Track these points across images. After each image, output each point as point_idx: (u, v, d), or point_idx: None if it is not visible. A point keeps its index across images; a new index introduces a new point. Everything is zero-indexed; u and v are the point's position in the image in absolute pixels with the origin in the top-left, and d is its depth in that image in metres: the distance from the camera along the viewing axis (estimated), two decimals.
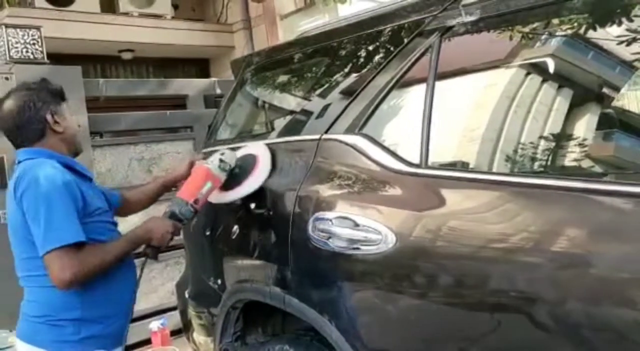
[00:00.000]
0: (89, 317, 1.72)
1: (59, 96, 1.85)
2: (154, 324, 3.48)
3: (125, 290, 1.85)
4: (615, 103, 1.28)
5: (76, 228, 1.64)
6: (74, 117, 1.91)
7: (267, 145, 1.95)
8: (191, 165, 2.07)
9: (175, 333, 3.45)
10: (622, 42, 1.21)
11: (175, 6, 6.99)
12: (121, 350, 1.87)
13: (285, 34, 6.26)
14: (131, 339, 3.33)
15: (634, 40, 1.18)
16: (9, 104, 1.79)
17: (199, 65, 7.68)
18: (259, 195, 1.90)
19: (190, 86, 4.26)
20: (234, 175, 1.92)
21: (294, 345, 1.79)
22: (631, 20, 1.20)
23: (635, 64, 1.25)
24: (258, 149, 1.94)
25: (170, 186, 2.15)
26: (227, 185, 1.94)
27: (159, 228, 1.81)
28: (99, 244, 1.71)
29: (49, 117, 1.78)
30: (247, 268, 1.97)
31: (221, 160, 1.90)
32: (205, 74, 7.38)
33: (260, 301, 1.87)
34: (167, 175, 2.24)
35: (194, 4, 7.52)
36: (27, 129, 1.78)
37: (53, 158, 1.75)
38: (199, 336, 2.40)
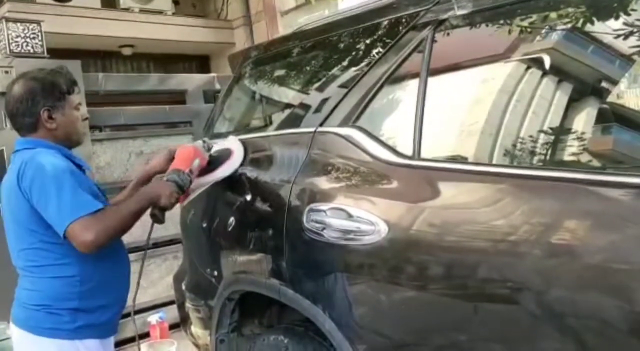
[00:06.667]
0: (85, 307, 1.76)
1: (66, 89, 1.83)
2: (153, 317, 3.51)
3: (120, 280, 1.89)
4: (609, 98, 1.29)
5: (89, 199, 1.68)
6: (79, 111, 1.88)
7: (241, 141, 2.12)
8: (170, 155, 2.04)
9: (174, 326, 3.48)
10: (619, 36, 1.21)
11: (175, 2, 7.01)
12: (114, 339, 1.91)
13: (285, 30, 6.26)
14: (129, 332, 3.37)
15: (631, 33, 1.19)
16: (14, 89, 1.81)
17: (199, 62, 7.69)
18: (255, 186, 1.93)
19: (189, 81, 4.29)
20: (212, 163, 2.06)
21: (289, 335, 1.81)
22: (629, 14, 1.21)
23: (634, 57, 1.25)
24: (233, 144, 2.13)
25: (147, 179, 2.09)
26: (206, 171, 2.06)
27: (165, 188, 1.81)
28: (112, 206, 1.73)
29: (43, 113, 1.78)
30: (243, 260, 1.98)
31: (204, 141, 2.09)
32: (206, 70, 7.38)
33: (256, 293, 1.90)
34: (143, 169, 2.19)
35: (195, 0, 7.52)
36: (21, 120, 1.80)
37: (51, 148, 1.78)
38: (196, 329, 2.41)
